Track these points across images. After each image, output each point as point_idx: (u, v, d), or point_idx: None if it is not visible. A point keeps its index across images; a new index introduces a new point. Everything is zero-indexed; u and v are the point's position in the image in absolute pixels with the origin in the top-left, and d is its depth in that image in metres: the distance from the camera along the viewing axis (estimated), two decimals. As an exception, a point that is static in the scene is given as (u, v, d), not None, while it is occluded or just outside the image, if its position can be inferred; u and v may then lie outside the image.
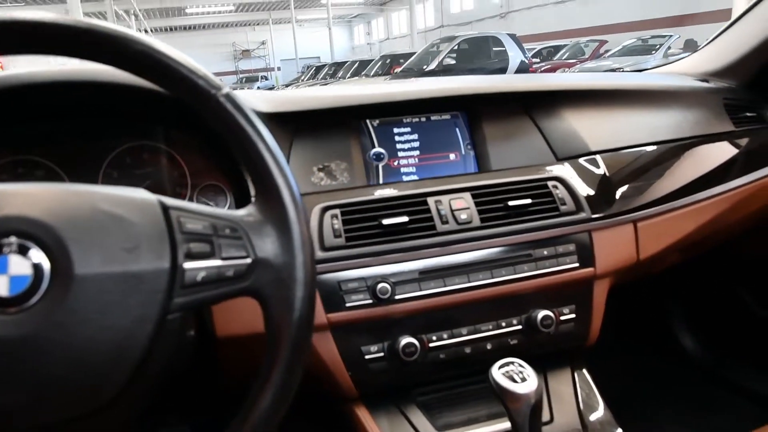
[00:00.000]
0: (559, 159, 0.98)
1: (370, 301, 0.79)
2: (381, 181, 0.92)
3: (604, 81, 1.17)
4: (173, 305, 0.46)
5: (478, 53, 10.02)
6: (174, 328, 0.47)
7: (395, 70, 11.00)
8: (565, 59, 12.30)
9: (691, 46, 10.40)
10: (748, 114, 1.22)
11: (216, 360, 0.84)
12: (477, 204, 0.87)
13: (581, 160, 0.98)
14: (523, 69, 9.72)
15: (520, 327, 0.86)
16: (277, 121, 0.87)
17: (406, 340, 0.80)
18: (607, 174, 0.97)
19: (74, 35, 0.48)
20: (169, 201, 0.49)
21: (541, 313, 0.86)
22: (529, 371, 0.71)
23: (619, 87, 1.09)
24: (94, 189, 0.48)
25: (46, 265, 0.43)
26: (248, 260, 0.49)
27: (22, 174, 0.81)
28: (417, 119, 0.97)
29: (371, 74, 12.11)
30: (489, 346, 0.85)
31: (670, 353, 1.55)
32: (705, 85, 1.23)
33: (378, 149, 0.94)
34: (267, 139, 0.53)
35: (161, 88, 0.53)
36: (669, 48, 10.33)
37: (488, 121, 0.99)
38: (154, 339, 0.45)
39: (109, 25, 0.50)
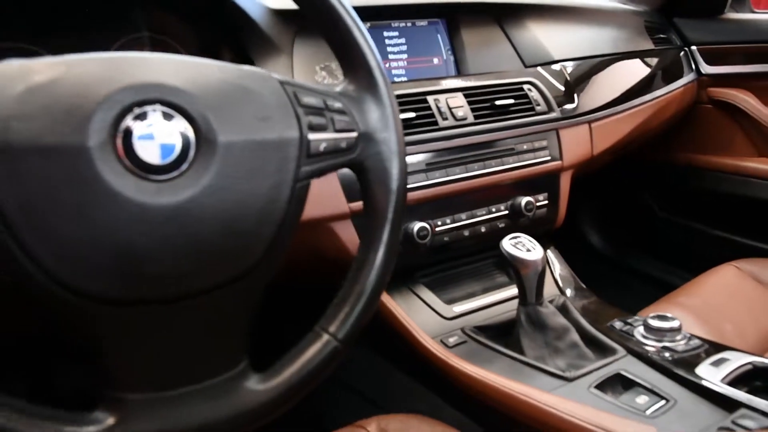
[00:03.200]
0: (527, 66, 1.09)
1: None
2: (376, 83, 0.97)
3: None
4: (301, 173, 0.49)
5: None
6: (302, 196, 0.50)
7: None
8: None
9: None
10: (661, 36, 1.40)
11: None
12: (469, 103, 0.95)
13: (545, 68, 1.10)
14: None
15: (507, 212, 0.98)
16: (282, 17, 0.88)
17: (418, 225, 0.88)
18: (568, 80, 1.10)
19: None
20: (280, 77, 0.52)
21: (525, 199, 0.98)
22: (534, 243, 0.83)
23: (572, 4, 1.21)
24: (218, 62, 0.49)
25: (190, 133, 0.44)
26: (355, 134, 0.54)
27: None
28: (404, 24, 1.02)
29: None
30: (483, 230, 0.96)
31: (578, 250, 1.79)
32: (632, 8, 1.39)
33: (371, 50, 0.98)
34: (356, 19, 0.57)
35: None
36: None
37: (465, 29, 1.06)
38: (288, 205, 0.49)
39: None
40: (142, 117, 0.42)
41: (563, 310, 0.88)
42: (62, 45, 0.77)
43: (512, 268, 0.83)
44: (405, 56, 1.01)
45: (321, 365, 0.50)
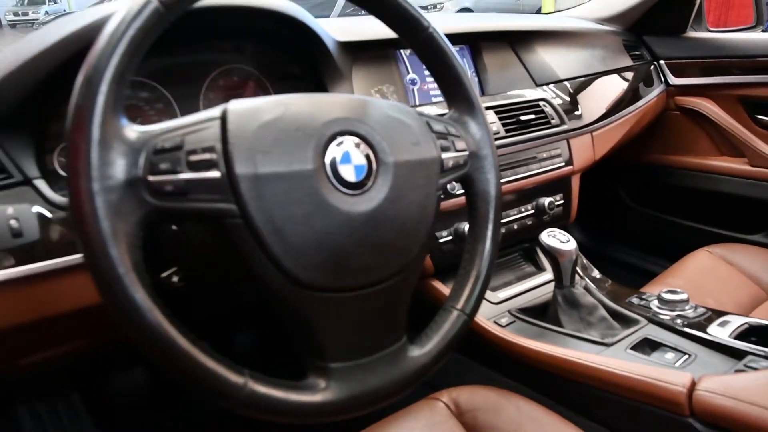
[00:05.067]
0: (538, 85, 1.26)
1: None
2: (417, 102, 1.12)
3: (561, 24, 1.47)
4: (438, 185, 0.65)
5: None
6: (438, 203, 0.65)
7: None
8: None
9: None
10: (635, 52, 1.61)
11: None
12: (500, 119, 1.12)
13: (552, 86, 1.27)
14: None
15: (533, 211, 1.15)
16: (346, 49, 1.02)
17: (465, 225, 1.04)
18: (572, 96, 1.28)
19: None
20: (417, 109, 0.67)
21: (547, 200, 1.15)
22: (567, 236, 1.00)
23: (568, 29, 1.40)
24: (379, 100, 0.63)
25: (372, 156, 0.58)
26: (467, 153, 0.69)
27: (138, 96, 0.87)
28: (437, 50, 1.17)
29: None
30: (515, 227, 1.13)
31: None
32: (611, 28, 1.59)
33: (412, 75, 1.13)
34: (460, 60, 0.72)
35: (382, 21, 0.68)
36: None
37: (486, 53, 1.23)
38: (434, 210, 0.64)
39: None
40: (340, 145, 0.56)
41: (588, 291, 1.06)
42: (167, 78, 0.89)
43: (550, 257, 1.00)
44: (439, 79, 1.17)
45: (458, 334, 0.65)
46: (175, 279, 0.68)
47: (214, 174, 0.50)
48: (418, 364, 0.62)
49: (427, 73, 1.16)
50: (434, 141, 0.65)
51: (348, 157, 0.57)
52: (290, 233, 0.53)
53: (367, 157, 0.58)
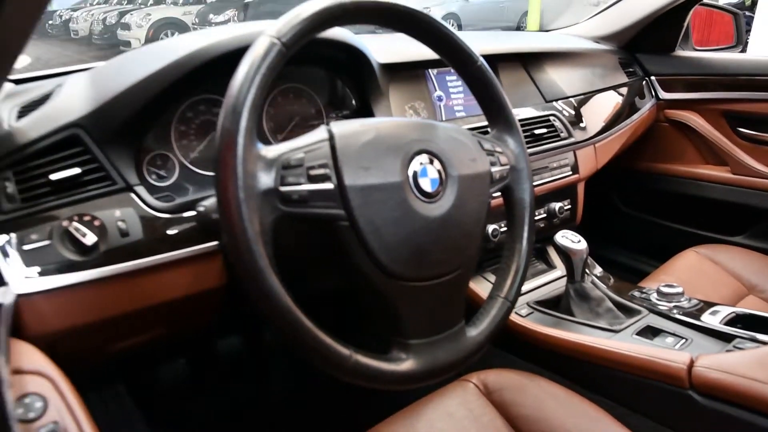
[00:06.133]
0: (547, 101, 1.41)
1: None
2: (444, 117, 1.26)
3: (566, 44, 1.62)
4: (489, 194, 0.78)
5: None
6: (489, 209, 0.79)
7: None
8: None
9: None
10: (629, 69, 1.77)
11: None
12: (525, 129, 1.25)
13: (560, 102, 1.42)
14: None
15: (545, 215, 1.30)
16: (385, 70, 1.14)
17: (492, 227, 1.17)
18: (576, 111, 1.43)
19: (395, 13, 0.75)
20: (471, 131, 0.80)
21: (557, 205, 1.30)
22: (578, 236, 1.14)
23: (573, 50, 1.55)
24: (443, 123, 0.77)
25: (441, 171, 0.72)
26: (507, 167, 0.83)
27: None
28: (460, 70, 1.31)
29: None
30: None
31: None
32: (607, 47, 1.74)
33: (439, 92, 1.27)
34: (498, 83, 0.85)
35: (438, 54, 0.82)
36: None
37: (502, 72, 1.37)
38: (486, 216, 0.77)
39: (416, 9, 0.77)
40: (419, 161, 0.70)
41: (595, 285, 1.20)
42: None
43: (563, 255, 1.14)
44: (462, 96, 1.30)
45: (504, 317, 0.79)
46: None
47: (329, 186, 0.63)
48: (476, 341, 0.76)
49: (451, 90, 1.29)
50: (485, 157, 0.78)
51: (425, 171, 0.70)
52: (385, 233, 0.66)
53: (438, 171, 0.71)
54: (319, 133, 0.67)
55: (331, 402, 1.40)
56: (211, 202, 0.81)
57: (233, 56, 0.71)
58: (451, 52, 0.82)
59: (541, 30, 2.08)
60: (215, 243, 0.83)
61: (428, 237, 0.69)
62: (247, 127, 0.60)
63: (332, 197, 0.64)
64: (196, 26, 7.18)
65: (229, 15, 7.27)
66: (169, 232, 0.82)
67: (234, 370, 1.52)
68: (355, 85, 1.11)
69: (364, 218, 0.65)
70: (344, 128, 0.68)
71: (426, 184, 0.70)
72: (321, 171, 0.64)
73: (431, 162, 0.71)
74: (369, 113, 1.09)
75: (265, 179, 0.61)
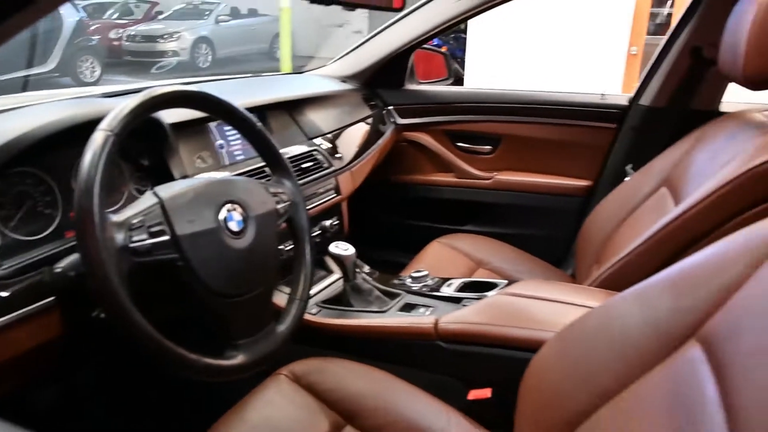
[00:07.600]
0: (309, 138, 1.72)
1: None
2: (227, 162, 1.48)
3: (321, 89, 1.95)
4: (278, 225, 1.05)
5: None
6: (278, 238, 1.05)
7: None
8: (114, 19, 12.12)
9: (234, 13, 11.77)
10: (372, 102, 2.18)
11: None
12: (294, 165, 1.54)
13: (320, 138, 1.74)
14: (79, 28, 9.33)
15: (319, 231, 1.60)
16: (173, 129, 1.33)
17: (281, 248, 1.44)
18: (333, 144, 1.76)
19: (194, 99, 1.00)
20: (260, 181, 1.06)
21: (328, 222, 1.61)
22: (348, 246, 1.46)
23: (326, 93, 1.89)
24: (245, 178, 1.03)
25: (243, 214, 0.97)
26: (288, 202, 1.10)
27: None
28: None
29: None
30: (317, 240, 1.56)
31: None
32: (352, 86, 2.13)
33: (220, 141, 1.49)
34: (274, 142, 1.13)
35: (232, 126, 1.06)
36: (219, 15, 11.46)
37: (270, 118, 1.64)
38: (277, 243, 1.04)
39: (211, 93, 1.02)
40: (227, 209, 0.94)
41: (365, 281, 1.54)
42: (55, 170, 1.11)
43: (338, 261, 1.45)
44: (240, 142, 1.54)
45: (301, 313, 1.07)
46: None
47: (165, 237, 0.84)
48: (284, 335, 1.02)
49: (230, 138, 1.53)
50: (272, 198, 1.05)
51: (232, 216, 0.95)
52: (210, 266, 0.89)
53: (241, 214, 0.96)
54: (150, 199, 0.87)
55: (167, 410, 1.54)
56: (67, 262, 0.92)
57: (50, 137, 0.87)
58: (239, 120, 1.07)
59: (293, 66, 2.39)
60: (51, 299, 0.96)
61: (240, 264, 0.94)
62: (100, 203, 0.78)
63: (169, 246, 0.85)
64: None
65: None
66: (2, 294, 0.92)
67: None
68: (151, 146, 1.29)
69: (195, 257, 0.87)
70: (168, 192, 0.89)
71: (234, 225, 0.94)
72: (158, 227, 0.85)
73: (235, 209, 0.96)
74: (165, 167, 1.28)
75: (119, 238, 0.80)
